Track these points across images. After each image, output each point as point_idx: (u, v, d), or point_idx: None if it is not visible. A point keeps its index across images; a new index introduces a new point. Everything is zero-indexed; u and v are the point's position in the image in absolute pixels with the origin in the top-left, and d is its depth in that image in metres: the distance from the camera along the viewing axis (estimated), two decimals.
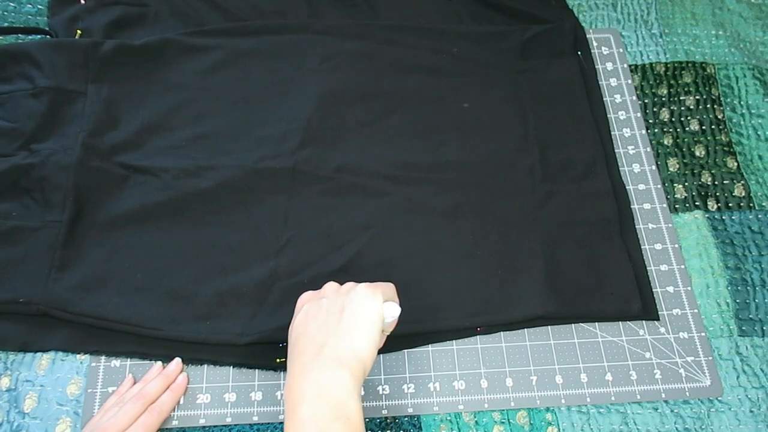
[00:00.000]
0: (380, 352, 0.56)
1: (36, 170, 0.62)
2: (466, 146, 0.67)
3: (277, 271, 0.60)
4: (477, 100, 0.70)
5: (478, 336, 0.59)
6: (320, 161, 0.65)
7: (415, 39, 0.73)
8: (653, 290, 0.62)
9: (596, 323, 0.60)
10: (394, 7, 0.76)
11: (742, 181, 0.69)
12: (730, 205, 0.67)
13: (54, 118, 0.65)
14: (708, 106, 0.73)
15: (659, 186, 0.68)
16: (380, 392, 0.57)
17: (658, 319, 0.61)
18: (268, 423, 0.55)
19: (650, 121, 0.72)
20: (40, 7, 0.73)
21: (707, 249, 0.65)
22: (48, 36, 0.71)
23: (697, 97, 0.73)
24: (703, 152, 0.70)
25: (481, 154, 0.67)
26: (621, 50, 0.76)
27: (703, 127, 0.72)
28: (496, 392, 0.57)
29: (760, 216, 0.67)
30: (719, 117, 0.72)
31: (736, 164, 0.70)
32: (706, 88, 0.74)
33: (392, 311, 0.48)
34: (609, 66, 0.75)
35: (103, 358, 0.57)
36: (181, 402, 0.56)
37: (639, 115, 0.72)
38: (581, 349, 0.59)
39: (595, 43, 0.76)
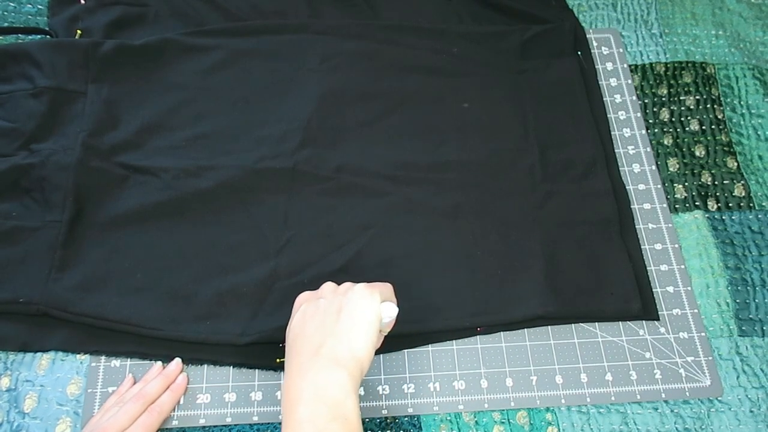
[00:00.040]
0: (379, 352, 0.56)
1: (36, 170, 0.62)
2: (466, 146, 0.67)
3: (277, 271, 0.60)
4: (477, 100, 0.70)
5: (478, 336, 0.60)
6: (320, 161, 0.65)
7: (415, 39, 0.73)
8: (653, 290, 0.62)
9: (596, 323, 0.60)
10: (394, 7, 0.76)
11: (742, 181, 0.69)
12: (730, 205, 0.67)
13: (54, 118, 0.65)
14: (708, 106, 0.73)
15: (659, 186, 0.68)
16: (380, 392, 0.57)
17: (658, 319, 0.61)
18: (268, 423, 0.55)
19: (650, 121, 0.72)
20: (40, 7, 0.73)
21: (707, 249, 0.65)
22: (48, 36, 0.71)
23: (697, 97, 0.73)
24: (703, 152, 0.70)
25: (481, 154, 0.67)
26: (621, 50, 0.76)
27: (703, 127, 0.72)
28: (496, 392, 0.57)
29: (760, 216, 0.67)
30: (719, 117, 0.72)
31: (736, 164, 0.70)
32: (706, 88, 0.74)
33: (390, 311, 0.48)
34: (609, 66, 0.75)
35: (103, 358, 0.57)
36: (181, 402, 0.56)
37: (639, 115, 0.72)
38: (581, 349, 0.59)
39: (595, 43, 0.76)
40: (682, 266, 0.64)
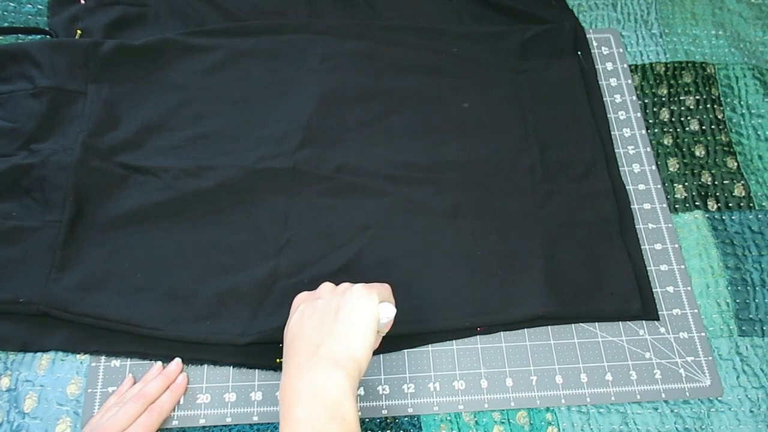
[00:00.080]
0: (379, 352, 0.56)
1: (36, 170, 0.62)
2: (466, 146, 0.67)
3: (277, 271, 0.60)
4: (477, 100, 0.70)
5: (478, 336, 0.59)
6: (320, 161, 0.65)
7: (415, 39, 0.73)
8: (653, 290, 0.62)
9: (596, 323, 0.60)
10: (394, 7, 0.76)
11: (742, 181, 0.69)
12: (730, 205, 0.67)
13: (54, 118, 0.65)
14: (708, 106, 0.73)
15: (659, 186, 0.68)
16: (380, 392, 0.57)
17: (658, 319, 0.61)
18: (268, 423, 0.55)
19: (650, 121, 0.72)
20: (40, 7, 0.73)
21: (707, 249, 0.65)
22: (48, 36, 0.71)
23: (697, 97, 0.73)
24: (703, 152, 0.70)
25: (481, 154, 0.67)
26: (621, 50, 0.76)
27: (703, 127, 0.72)
28: (496, 392, 0.57)
29: (760, 216, 0.67)
30: (719, 117, 0.72)
31: (736, 164, 0.70)
32: (706, 88, 0.74)
33: (388, 312, 0.48)
34: (609, 66, 0.75)
35: (103, 358, 0.57)
36: (181, 402, 0.56)
37: (639, 115, 0.72)
38: (581, 349, 0.59)
39: (595, 43, 0.76)
40: (682, 266, 0.64)
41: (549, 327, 0.60)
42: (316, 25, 0.73)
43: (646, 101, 0.73)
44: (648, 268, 0.63)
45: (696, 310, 0.61)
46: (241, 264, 0.60)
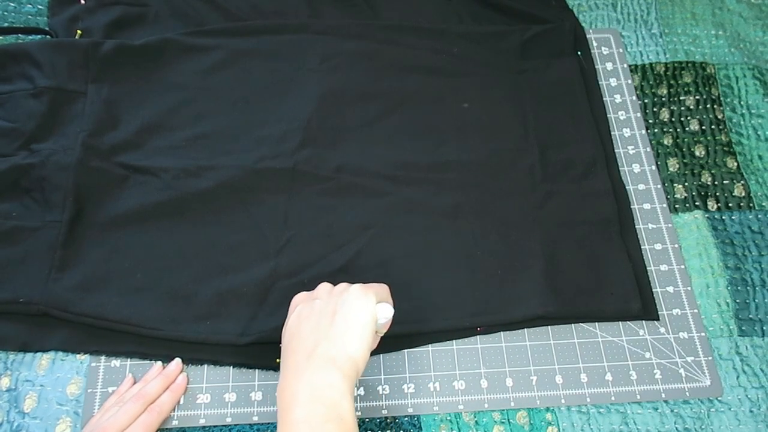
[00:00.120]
0: (379, 352, 0.56)
1: (36, 170, 0.62)
2: (466, 146, 0.67)
3: (277, 271, 0.60)
4: (477, 100, 0.70)
5: (478, 336, 0.59)
6: (320, 161, 0.65)
7: (415, 39, 0.73)
8: (653, 290, 0.62)
9: (596, 323, 0.60)
10: (394, 7, 0.76)
11: (742, 181, 0.69)
12: (730, 205, 0.67)
13: (54, 118, 0.65)
14: (708, 106, 0.73)
15: (659, 186, 0.68)
16: (380, 392, 0.57)
17: (658, 319, 0.61)
18: (268, 423, 0.55)
19: (650, 121, 0.72)
20: (40, 7, 0.74)
21: (707, 249, 0.65)
22: (48, 36, 0.71)
23: (697, 97, 0.73)
24: (703, 152, 0.70)
25: (481, 154, 0.67)
26: (621, 50, 0.76)
27: (703, 127, 0.72)
28: (496, 392, 0.57)
29: (760, 216, 0.67)
30: (719, 117, 0.72)
31: (736, 164, 0.70)
32: (706, 88, 0.74)
33: (385, 312, 0.48)
34: (609, 66, 0.75)
35: (103, 358, 0.57)
36: (181, 402, 0.56)
37: (639, 115, 0.72)
38: (581, 349, 0.59)
39: (595, 43, 0.76)
40: (682, 266, 0.64)
41: (549, 327, 0.60)
42: (316, 25, 0.73)
43: (646, 101, 0.73)
44: (648, 268, 0.63)
45: (696, 310, 0.61)
46: (241, 264, 0.60)
